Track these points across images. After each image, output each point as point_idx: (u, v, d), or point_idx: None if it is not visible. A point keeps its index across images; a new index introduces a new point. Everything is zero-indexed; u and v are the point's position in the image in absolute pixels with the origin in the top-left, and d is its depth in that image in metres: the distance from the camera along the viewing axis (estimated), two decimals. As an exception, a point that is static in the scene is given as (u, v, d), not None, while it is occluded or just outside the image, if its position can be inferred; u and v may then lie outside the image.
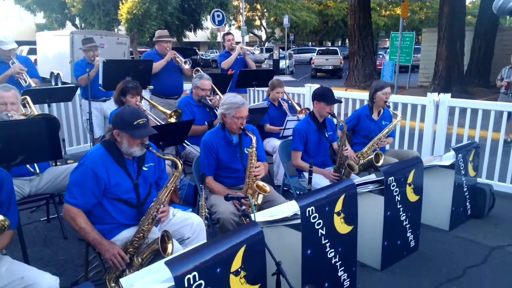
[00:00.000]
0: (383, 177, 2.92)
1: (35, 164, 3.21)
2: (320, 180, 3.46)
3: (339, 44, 44.99)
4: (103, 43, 13.72)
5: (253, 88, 6.59)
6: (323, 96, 3.56)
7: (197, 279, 1.71)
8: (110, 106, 4.91)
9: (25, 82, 4.33)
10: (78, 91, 5.26)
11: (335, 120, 3.89)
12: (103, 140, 2.45)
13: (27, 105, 3.58)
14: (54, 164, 3.81)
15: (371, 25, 16.25)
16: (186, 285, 1.68)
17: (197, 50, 27.98)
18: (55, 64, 16.14)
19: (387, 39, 33.41)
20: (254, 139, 2.99)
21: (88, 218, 2.34)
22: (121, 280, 1.85)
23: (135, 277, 1.85)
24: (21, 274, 2.01)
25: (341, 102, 4.39)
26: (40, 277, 2.02)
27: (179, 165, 2.47)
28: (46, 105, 4.42)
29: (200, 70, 4.82)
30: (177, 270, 1.66)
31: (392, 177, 2.96)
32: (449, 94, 4.89)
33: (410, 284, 2.88)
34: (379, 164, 3.60)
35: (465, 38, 12.67)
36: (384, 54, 22.61)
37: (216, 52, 29.80)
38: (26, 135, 2.80)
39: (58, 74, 16.10)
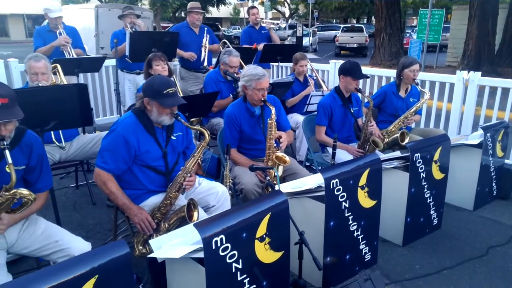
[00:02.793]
0: (408, 154, 2.90)
1: (62, 138, 3.32)
2: (343, 155, 3.45)
3: (365, 22, 43.81)
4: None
5: (276, 64, 6.55)
6: (350, 71, 3.51)
7: (224, 242, 1.77)
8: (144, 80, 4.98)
9: (69, 54, 4.43)
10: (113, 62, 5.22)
11: (361, 96, 3.84)
12: (133, 108, 2.49)
13: (57, 73, 3.66)
14: (83, 133, 3.92)
15: (399, 2, 15.72)
16: (213, 247, 1.74)
17: (219, 26, 27.70)
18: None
19: (414, 18, 32.37)
20: (273, 110, 2.99)
21: (118, 183, 2.41)
22: (150, 241, 1.92)
23: (163, 239, 1.92)
24: (56, 238, 2.09)
25: (368, 77, 4.31)
26: (73, 242, 2.10)
27: (207, 135, 2.51)
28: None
29: (228, 43, 4.80)
30: (205, 232, 1.71)
31: (418, 154, 2.93)
32: (479, 73, 4.73)
33: (432, 261, 2.88)
34: (404, 143, 3.56)
35: (498, 16, 12.14)
36: (412, 33, 21.96)
37: (239, 29, 29.48)
38: (57, 101, 2.88)
39: (83, 47, 16.29)
